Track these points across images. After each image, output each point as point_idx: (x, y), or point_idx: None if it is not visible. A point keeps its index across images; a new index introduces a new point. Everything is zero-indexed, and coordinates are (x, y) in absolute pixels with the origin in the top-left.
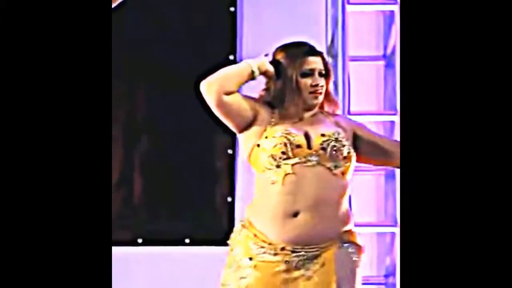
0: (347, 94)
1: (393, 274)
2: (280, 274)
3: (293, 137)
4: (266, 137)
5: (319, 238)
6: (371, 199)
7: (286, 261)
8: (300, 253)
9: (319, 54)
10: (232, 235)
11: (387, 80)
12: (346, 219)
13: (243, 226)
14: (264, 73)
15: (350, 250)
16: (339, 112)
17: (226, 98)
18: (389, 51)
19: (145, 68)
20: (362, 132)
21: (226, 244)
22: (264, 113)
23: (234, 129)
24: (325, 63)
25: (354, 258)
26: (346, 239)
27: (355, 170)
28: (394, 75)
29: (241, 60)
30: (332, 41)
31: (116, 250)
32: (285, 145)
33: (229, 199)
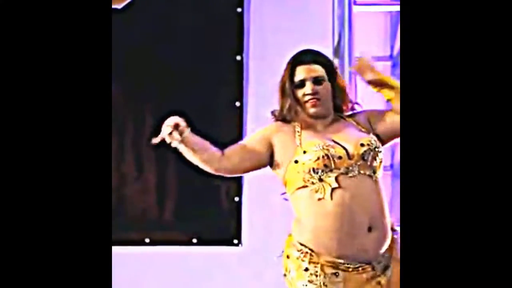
0: (354, 94)
1: None
2: (369, 281)
3: (333, 148)
4: (304, 152)
5: (387, 243)
6: None
7: (373, 268)
8: (382, 259)
9: (311, 62)
10: (298, 258)
11: None
12: (389, 219)
13: (311, 256)
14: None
15: (397, 236)
16: (358, 108)
17: (235, 166)
18: (395, 51)
19: (152, 68)
20: (376, 118)
21: (233, 244)
22: (283, 133)
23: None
24: (325, 68)
25: (397, 237)
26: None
27: None
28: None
29: (248, 61)
30: (339, 41)
31: (123, 250)
32: (328, 157)
33: (237, 198)
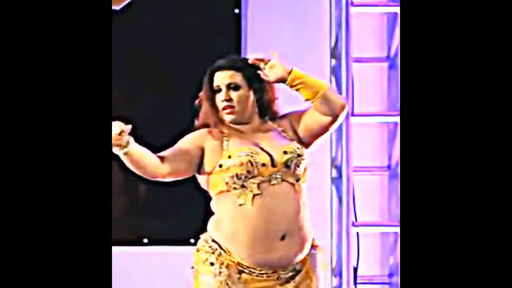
0: (351, 95)
1: (397, 274)
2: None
3: (258, 155)
4: (229, 157)
5: (302, 254)
6: (374, 199)
7: (278, 277)
8: (289, 270)
9: (229, 68)
10: (206, 251)
11: (391, 82)
12: (310, 231)
13: (222, 250)
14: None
15: (318, 252)
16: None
17: (173, 170)
18: (392, 52)
19: (149, 70)
20: (298, 119)
21: None
22: (213, 138)
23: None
24: (245, 74)
25: (319, 256)
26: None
27: (359, 171)
28: (398, 77)
29: None
30: (336, 42)
31: (121, 250)
32: (251, 164)
33: None
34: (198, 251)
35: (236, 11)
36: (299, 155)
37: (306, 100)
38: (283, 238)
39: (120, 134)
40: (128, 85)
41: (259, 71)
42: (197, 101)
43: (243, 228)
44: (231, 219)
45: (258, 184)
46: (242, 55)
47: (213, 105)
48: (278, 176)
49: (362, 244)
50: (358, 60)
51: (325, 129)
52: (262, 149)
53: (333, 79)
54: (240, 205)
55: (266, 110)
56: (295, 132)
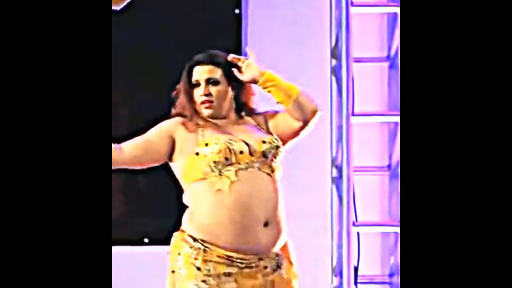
0: (351, 95)
1: (398, 273)
2: (260, 279)
3: (236, 143)
4: (206, 145)
5: (282, 243)
6: (375, 199)
7: (265, 267)
8: (273, 258)
9: (208, 63)
10: (190, 255)
11: (391, 81)
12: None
13: (205, 247)
14: None
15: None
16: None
17: (132, 158)
18: (393, 52)
19: (149, 70)
20: (271, 119)
21: None
22: (185, 128)
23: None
24: (224, 69)
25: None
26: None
27: (360, 171)
28: (398, 76)
29: None
30: (336, 42)
31: (121, 250)
32: (229, 151)
33: None
34: (179, 254)
35: (237, 11)
36: (277, 147)
37: (278, 103)
38: (266, 224)
39: None
40: (129, 85)
41: (234, 69)
42: (174, 92)
43: (220, 215)
44: (207, 207)
45: (236, 172)
46: (243, 56)
47: (191, 98)
48: (255, 165)
49: (363, 244)
50: (359, 60)
51: (295, 134)
52: (239, 139)
53: (334, 79)
54: (218, 190)
55: (243, 106)
56: (268, 130)
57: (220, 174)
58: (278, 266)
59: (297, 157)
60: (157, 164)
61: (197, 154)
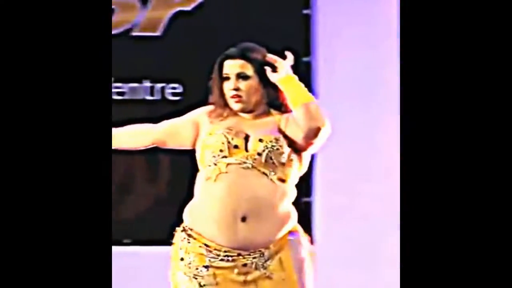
0: None
1: None
2: (239, 277)
3: (234, 137)
4: (210, 134)
5: (269, 241)
6: None
7: (243, 265)
8: (256, 255)
9: (238, 57)
10: (179, 244)
11: None
12: (290, 219)
13: (189, 235)
14: None
15: (300, 238)
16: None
17: (158, 139)
18: None
19: None
20: (289, 119)
21: None
22: (211, 117)
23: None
24: (254, 64)
25: (305, 244)
26: (293, 232)
27: None
28: None
29: (316, 63)
30: None
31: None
32: (225, 144)
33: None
34: (172, 244)
35: (305, 11)
36: (275, 148)
37: (289, 102)
38: (243, 219)
39: None
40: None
41: (266, 67)
42: (210, 81)
43: (205, 203)
44: (198, 195)
45: (228, 164)
46: (312, 56)
47: (221, 91)
48: (249, 162)
49: None
50: None
51: (303, 142)
52: (244, 133)
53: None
54: (208, 179)
55: (273, 101)
56: (281, 129)
57: (215, 165)
58: (262, 265)
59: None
60: (183, 148)
61: (203, 143)
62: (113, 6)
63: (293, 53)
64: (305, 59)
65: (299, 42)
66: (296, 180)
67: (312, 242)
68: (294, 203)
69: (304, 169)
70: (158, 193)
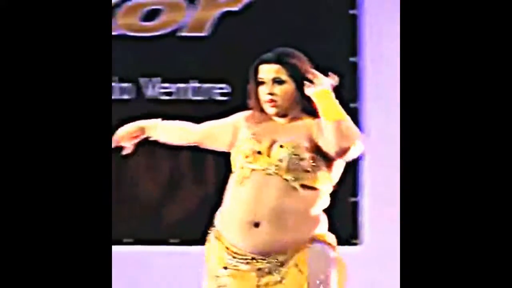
0: None
1: None
2: (253, 281)
3: (258, 142)
4: (242, 139)
5: (284, 248)
6: None
7: (258, 269)
8: (271, 260)
9: (273, 61)
10: (206, 246)
11: None
12: (313, 226)
13: (216, 237)
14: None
15: (323, 247)
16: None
17: (199, 140)
18: None
19: None
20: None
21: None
22: (247, 121)
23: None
24: (289, 69)
25: (329, 253)
26: (317, 240)
27: None
28: None
29: (362, 63)
30: None
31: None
32: (250, 150)
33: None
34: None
35: (352, 11)
36: (296, 155)
37: (322, 114)
38: (256, 225)
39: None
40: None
41: (304, 80)
42: (249, 86)
43: (229, 207)
44: (227, 198)
45: (252, 170)
46: (358, 57)
47: (256, 96)
48: (272, 168)
49: None
50: None
51: (335, 158)
52: (271, 139)
53: None
54: (235, 183)
55: (307, 106)
56: (311, 136)
57: (242, 169)
58: (275, 270)
59: None
60: (222, 150)
61: (236, 148)
62: (160, 7)
63: (339, 54)
64: (351, 59)
65: (345, 42)
66: (329, 188)
67: (334, 249)
68: (340, 203)
69: (336, 176)
70: (205, 194)
